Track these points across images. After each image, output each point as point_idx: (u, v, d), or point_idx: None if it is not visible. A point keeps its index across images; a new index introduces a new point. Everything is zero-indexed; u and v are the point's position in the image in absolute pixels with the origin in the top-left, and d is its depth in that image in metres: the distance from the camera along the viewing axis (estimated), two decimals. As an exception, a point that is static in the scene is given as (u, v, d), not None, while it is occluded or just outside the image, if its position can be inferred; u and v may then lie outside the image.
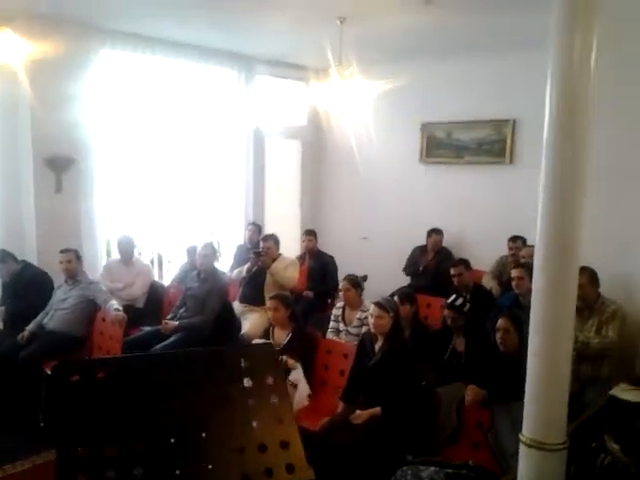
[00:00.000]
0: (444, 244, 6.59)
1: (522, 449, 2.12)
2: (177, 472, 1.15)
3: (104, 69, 5.69)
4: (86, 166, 5.63)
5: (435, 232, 6.51)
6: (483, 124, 6.48)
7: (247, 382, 1.33)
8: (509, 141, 6.31)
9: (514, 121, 6.26)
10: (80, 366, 1.25)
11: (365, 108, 6.59)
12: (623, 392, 3.51)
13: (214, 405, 1.26)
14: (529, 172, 6.04)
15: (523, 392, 2.79)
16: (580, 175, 1.92)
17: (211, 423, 1.24)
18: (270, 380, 1.35)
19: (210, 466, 1.17)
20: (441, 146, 6.85)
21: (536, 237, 1.98)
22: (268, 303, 4.11)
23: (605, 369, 3.99)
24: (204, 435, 1.22)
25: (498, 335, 3.44)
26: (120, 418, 1.19)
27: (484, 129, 6.49)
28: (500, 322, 3.45)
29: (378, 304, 3.59)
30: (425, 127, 6.91)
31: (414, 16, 5.04)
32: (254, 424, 1.26)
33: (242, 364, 1.33)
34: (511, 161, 6.32)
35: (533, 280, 2.01)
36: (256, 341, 3.75)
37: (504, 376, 3.43)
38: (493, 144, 6.43)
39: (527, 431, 2.11)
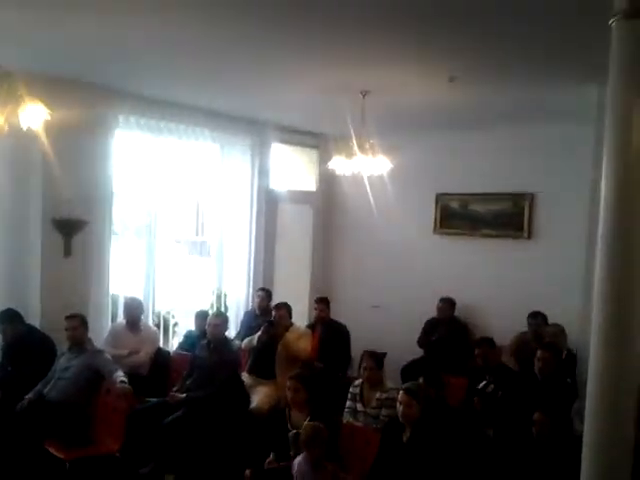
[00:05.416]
0: (459, 316, 6.42)
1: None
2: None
3: (118, 133, 5.62)
4: (97, 229, 5.44)
5: (442, 300, 6.40)
6: (500, 197, 6.41)
7: None
8: (527, 215, 6.23)
9: (532, 195, 6.20)
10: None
11: (380, 177, 6.55)
12: None
13: None
14: (548, 248, 6.04)
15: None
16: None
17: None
18: None
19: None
20: (456, 217, 6.76)
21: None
22: (288, 383, 3.88)
23: None
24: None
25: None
26: None
27: (501, 202, 6.42)
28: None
29: (408, 390, 3.38)
30: (440, 198, 6.85)
31: (437, 92, 5.05)
32: None
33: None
34: (529, 236, 6.23)
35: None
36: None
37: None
38: (511, 217, 6.34)
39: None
